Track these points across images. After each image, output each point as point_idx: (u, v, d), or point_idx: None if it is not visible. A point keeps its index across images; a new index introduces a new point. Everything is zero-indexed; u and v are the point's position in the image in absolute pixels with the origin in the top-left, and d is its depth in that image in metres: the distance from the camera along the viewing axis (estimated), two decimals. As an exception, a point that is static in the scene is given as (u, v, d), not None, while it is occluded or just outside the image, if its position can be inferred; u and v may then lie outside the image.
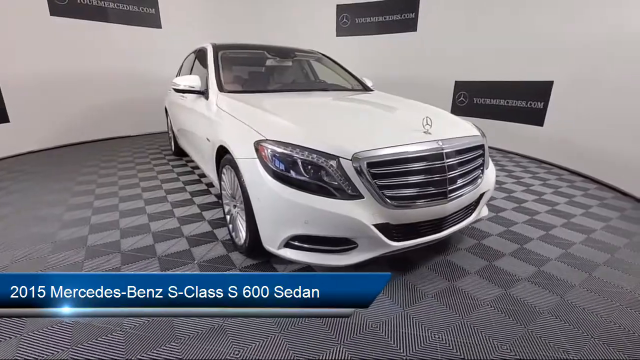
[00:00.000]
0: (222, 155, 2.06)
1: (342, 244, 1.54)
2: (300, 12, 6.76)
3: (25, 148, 4.65)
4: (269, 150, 1.56)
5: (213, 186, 3.26)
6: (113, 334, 1.38)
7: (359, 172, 1.49)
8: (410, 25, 5.96)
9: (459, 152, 1.76)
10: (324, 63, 3.42)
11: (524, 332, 1.45)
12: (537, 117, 4.43)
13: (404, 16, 6.01)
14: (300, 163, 1.52)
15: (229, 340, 1.36)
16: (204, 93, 2.52)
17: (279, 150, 1.54)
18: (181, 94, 3.11)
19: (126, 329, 1.41)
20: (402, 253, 1.66)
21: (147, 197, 2.99)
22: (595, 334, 1.44)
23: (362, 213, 1.48)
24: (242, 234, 1.89)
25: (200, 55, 3.30)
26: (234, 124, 1.89)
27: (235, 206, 2.03)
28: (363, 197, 1.50)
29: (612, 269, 1.96)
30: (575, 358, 1.32)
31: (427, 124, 1.73)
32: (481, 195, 1.94)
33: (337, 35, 6.69)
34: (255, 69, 3.11)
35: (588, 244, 2.25)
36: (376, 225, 1.51)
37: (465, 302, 1.64)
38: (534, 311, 1.58)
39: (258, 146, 1.61)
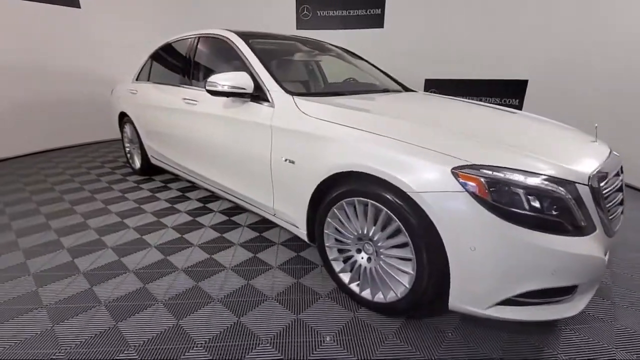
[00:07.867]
0: (328, 184, 1.52)
1: (567, 290, 1.23)
2: (256, 1, 6.01)
3: None
4: (486, 180, 1.13)
5: (237, 214, 2.52)
6: None
7: (596, 198, 1.19)
8: (376, 22, 5.84)
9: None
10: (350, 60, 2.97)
11: None
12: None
13: (370, 12, 5.86)
14: (535, 195, 1.13)
15: None
16: (257, 97, 1.87)
17: (505, 178, 1.13)
18: (190, 97, 2.35)
19: None
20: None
21: (157, 241, 2.14)
22: None
23: (601, 249, 1.20)
24: (398, 288, 1.40)
25: (205, 45, 2.48)
26: (381, 141, 1.34)
27: (359, 251, 1.52)
28: (596, 229, 1.21)
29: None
30: None
31: (595, 134, 1.53)
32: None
33: (297, 28, 6.18)
34: (297, 64, 2.48)
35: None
36: (603, 261, 1.24)
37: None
38: None
39: (459, 173, 1.16)
